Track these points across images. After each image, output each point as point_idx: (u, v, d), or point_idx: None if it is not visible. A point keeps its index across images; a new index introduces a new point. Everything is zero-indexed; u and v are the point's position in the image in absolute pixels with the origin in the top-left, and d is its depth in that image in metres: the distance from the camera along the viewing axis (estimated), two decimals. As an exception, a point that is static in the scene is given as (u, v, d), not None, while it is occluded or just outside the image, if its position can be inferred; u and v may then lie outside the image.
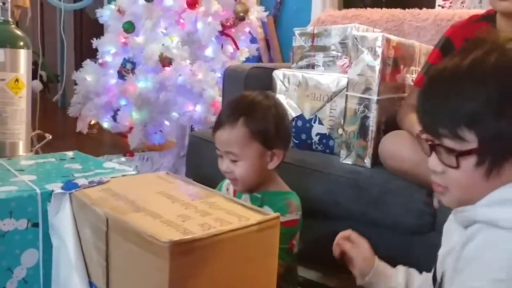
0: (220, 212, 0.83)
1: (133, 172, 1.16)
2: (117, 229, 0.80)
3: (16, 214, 0.97)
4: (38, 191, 0.99)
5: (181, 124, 2.67)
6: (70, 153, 1.29)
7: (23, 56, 1.34)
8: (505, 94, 0.74)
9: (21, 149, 1.36)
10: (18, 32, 1.34)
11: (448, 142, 0.77)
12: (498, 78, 0.75)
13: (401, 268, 1.07)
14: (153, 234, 0.72)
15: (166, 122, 2.66)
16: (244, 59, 2.85)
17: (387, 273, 1.05)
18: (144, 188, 0.98)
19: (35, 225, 0.99)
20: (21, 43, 1.33)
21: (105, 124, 2.74)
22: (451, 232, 0.86)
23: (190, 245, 0.72)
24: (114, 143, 3.42)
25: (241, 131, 1.17)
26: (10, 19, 1.34)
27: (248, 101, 1.23)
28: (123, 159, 3.03)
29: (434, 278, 0.90)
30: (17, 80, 1.32)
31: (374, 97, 1.40)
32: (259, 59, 3.05)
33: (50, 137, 1.44)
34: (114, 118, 2.71)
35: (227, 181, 1.29)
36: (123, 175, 1.13)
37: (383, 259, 1.07)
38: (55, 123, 3.49)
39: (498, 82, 0.74)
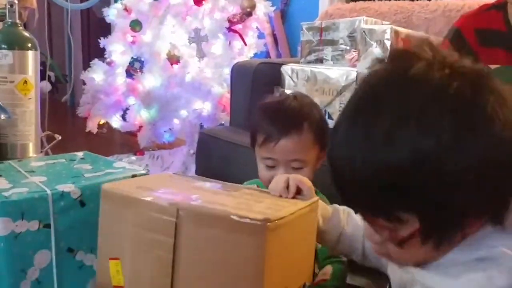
0: (267, 199, 0.87)
1: (144, 172, 1.16)
2: (191, 218, 0.80)
3: (27, 216, 0.97)
4: (49, 192, 1.00)
5: (190, 121, 2.67)
6: (80, 154, 1.29)
7: (31, 58, 1.33)
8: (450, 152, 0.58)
9: (31, 151, 1.36)
10: (26, 34, 1.34)
11: (382, 222, 0.65)
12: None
13: (338, 209, 1.00)
14: (243, 215, 0.75)
15: (175, 120, 2.67)
16: (252, 55, 2.85)
17: (325, 215, 0.99)
18: (173, 184, 0.97)
19: (47, 226, 1.00)
20: (29, 45, 1.33)
21: (115, 123, 2.75)
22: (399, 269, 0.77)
23: (278, 222, 0.76)
24: (124, 142, 3.43)
25: (308, 136, 1.13)
26: (17, 21, 1.33)
27: (305, 105, 1.18)
28: (133, 158, 3.04)
29: None
30: (25, 81, 1.32)
31: (384, 91, 1.38)
32: (267, 54, 3.04)
33: (60, 138, 1.43)
34: (123, 117, 2.73)
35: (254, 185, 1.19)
36: (133, 175, 1.13)
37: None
38: (65, 123, 3.50)
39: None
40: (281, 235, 0.78)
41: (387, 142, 0.59)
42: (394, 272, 0.82)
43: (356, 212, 0.70)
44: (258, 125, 1.17)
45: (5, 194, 0.97)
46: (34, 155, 1.36)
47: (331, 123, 1.55)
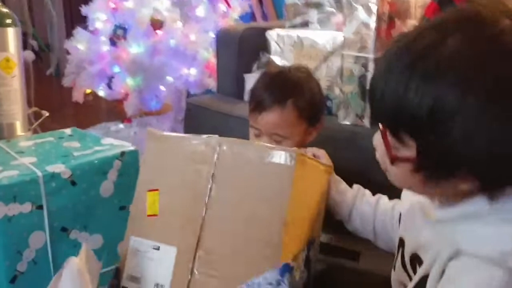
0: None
1: (132, 148, 1.16)
2: (231, 149, 0.90)
3: (20, 198, 0.98)
4: (39, 174, 1.00)
5: (177, 88, 2.65)
6: (68, 131, 1.29)
7: (12, 34, 1.30)
8: (463, 109, 0.61)
9: (19, 129, 1.35)
10: (4, 10, 1.30)
11: (389, 136, 0.69)
12: (463, 84, 0.61)
13: (355, 187, 1.07)
14: (277, 147, 0.89)
15: (162, 87, 2.64)
16: (237, 17, 2.81)
17: (340, 187, 1.06)
18: None
19: (40, 207, 1.01)
20: (8, 21, 1.30)
21: (101, 92, 2.72)
22: (420, 226, 0.79)
23: (304, 158, 0.90)
24: (111, 110, 3.39)
25: (291, 113, 1.14)
26: (-6, -3, 1.31)
27: (294, 80, 1.19)
28: (121, 125, 3.02)
29: (403, 264, 0.84)
30: (7, 60, 1.30)
31: (371, 55, 1.38)
32: (252, 16, 2.99)
33: (47, 114, 1.42)
34: (109, 85, 2.69)
35: None
36: (122, 152, 1.12)
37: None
38: (51, 93, 3.46)
39: (459, 91, 0.61)
40: (305, 173, 0.88)
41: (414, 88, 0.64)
42: (410, 235, 0.83)
43: (375, 120, 0.73)
44: (252, 93, 1.21)
45: None
46: (22, 134, 1.35)
47: (318, 89, 1.55)
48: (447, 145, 0.63)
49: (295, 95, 1.15)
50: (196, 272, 0.87)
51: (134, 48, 2.50)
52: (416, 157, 0.67)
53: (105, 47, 2.59)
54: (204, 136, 0.94)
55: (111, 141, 1.19)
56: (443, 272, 0.69)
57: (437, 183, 0.68)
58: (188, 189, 0.91)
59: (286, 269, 0.84)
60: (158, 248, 0.92)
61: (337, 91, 1.51)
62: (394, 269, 0.89)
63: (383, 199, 1.05)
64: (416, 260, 0.78)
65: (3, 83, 1.30)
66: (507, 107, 0.61)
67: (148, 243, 0.93)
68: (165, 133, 1.02)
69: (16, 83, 1.33)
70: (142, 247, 0.94)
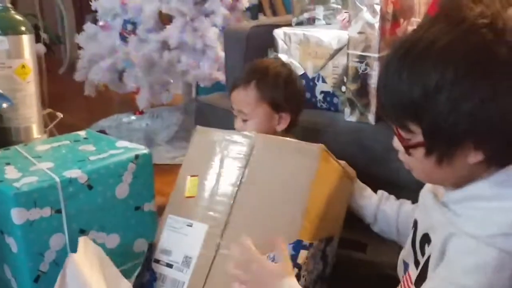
0: None
1: (146, 151, 1.20)
2: (264, 142, 1.06)
3: (40, 204, 1.03)
4: (57, 179, 1.06)
5: (187, 81, 2.68)
6: (82, 133, 1.34)
7: (27, 41, 1.36)
8: (445, 83, 0.70)
9: (35, 132, 1.41)
10: (19, 17, 1.35)
11: (400, 130, 0.78)
12: (441, 63, 0.70)
13: (379, 192, 1.16)
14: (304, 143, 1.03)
15: (172, 81, 2.68)
16: (245, 9, 2.82)
17: (365, 193, 1.16)
18: None
19: (58, 211, 1.06)
20: (23, 28, 1.35)
21: (112, 86, 2.76)
22: (430, 207, 0.85)
23: (328, 156, 1.02)
24: (123, 101, 3.44)
25: (252, 93, 1.27)
26: (8, 5, 1.34)
27: (263, 66, 1.33)
28: (133, 117, 3.07)
29: (413, 243, 0.90)
30: (23, 66, 1.35)
31: (375, 55, 1.40)
32: (259, 7, 3.00)
33: (62, 116, 1.47)
34: (120, 79, 2.73)
35: None
36: (136, 155, 1.18)
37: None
38: (63, 87, 3.51)
39: (439, 68, 0.70)
40: (327, 171, 1.01)
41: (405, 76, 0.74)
42: (422, 216, 0.90)
43: (387, 120, 0.82)
44: None
45: (17, 185, 1.03)
46: (39, 136, 1.41)
47: (325, 86, 1.59)
48: (441, 119, 0.71)
49: (259, 78, 1.28)
50: (222, 248, 0.97)
51: (144, 43, 2.53)
52: (424, 139, 0.74)
53: (116, 42, 2.62)
54: (244, 132, 1.12)
55: (125, 144, 1.24)
56: (444, 251, 0.76)
57: (449, 162, 0.75)
58: (224, 175, 1.05)
59: (300, 246, 0.94)
60: (191, 225, 1.02)
61: (343, 88, 1.54)
62: (404, 248, 0.96)
63: (406, 202, 1.13)
64: (425, 239, 0.85)
65: (19, 88, 1.36)
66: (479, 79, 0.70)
67: (183, 221, 1.04)
68: (211, 128, 1.16)
69: (31, 88, 1.38)
70: (177, 224, 1.04)
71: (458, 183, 0.79)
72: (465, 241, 0.73)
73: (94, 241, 1.13)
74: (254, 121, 1.28)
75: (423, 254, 0.85)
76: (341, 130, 1.47)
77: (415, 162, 0.79)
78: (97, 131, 2.70)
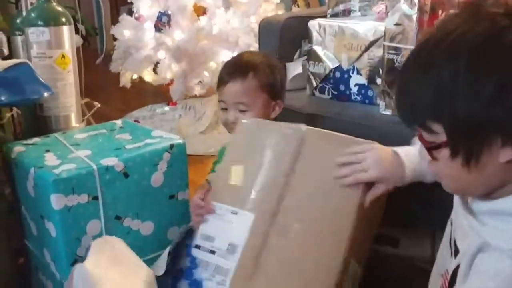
0: None
1: (180, 141, 1.22)
2: (316, 135, 1.07)
3: (77, 190, 1.06)
4: (95, 167, 1.08)
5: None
6: (119, 122, 1.36)
7: (67, 32, 1.39)
8: (459, 75, 0.67)
9: (74, 121, 1.44)
10: (60, 9, 1.38)
11: (423, 133, 0.74)
12: (453, 55, 0.68)
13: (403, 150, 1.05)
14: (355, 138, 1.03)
15: (205, 73, 2.70)
16: (279, 0, 2.82)
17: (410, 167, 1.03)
18: None
19: (95, 198, 1.09)
20: (64, 20, 1.38)
21: (146, 77, 2.80)
22: (459, 212, 0.82)
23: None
24: (156, 92, 3.48)
25: (252, 83, 1.29)
26: (50, -4, 1.38)
27: (250, 58, 1.37)
28: (166, 108, 3.10)
29: (450, 241, 0.87)
30: (63, 56, 1.38)
31: (412, 47, 1.38)
32: (293, -1, 2.99)
33: (99, 105, 1.51)
34: (154, 70, 2.77)
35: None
36: (171, 145, 1.19)
37: (419, 210, 1.10)
38: (100, 77, 3.57)
39: (451, 61, 0.68)
40: None
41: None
42: (455, 220, 0.86)
43: (409, 126, 0.77)
44: (218, 75, 1.34)
45: (56, 171, 1.05)
46: (77, 125, 1.44)
47: (360, 79, 1.57)
48: (460, 113, 0.68)
49: (255, 69, 1.31)
50: (271, 237, 0.97)
51: (178, 35, 2.55)
52: (448, 138, 0.71)
53: (150, 34, 2.65)
54: (293, 124, 1.09)
55: (161, 133, 1.25)
56: (471, 264, 0.73)
57: (477, 163, 0.70)
58: (272, 166, 1.05)
59: None
60: (236, 213, 1.02)
61: (378, 81, 1.53)
62: (442, 242, 0.92)
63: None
64: (455, 245, 0.82)
65: (60, 78, 1.39)
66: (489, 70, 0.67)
67: (227, 208, 1.03)
68: (258, 119, 1.19)
69: (71, 77, 1.41)
70: (220, 211, 1.04)
71: (489, 192, 0.75)
72: (491, 253, 0.71)
73: (129, 228, 1.16)
74: (254, 110, 1.29)
75: (455, 255, 0.82)
76: (376, 124, 1.46)
77: (442, 167, 0.75)
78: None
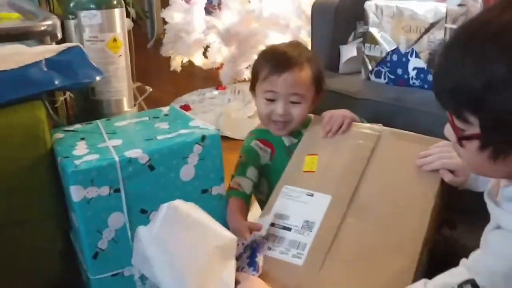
0: None
1: (214, 132, 1.12)
2: (392, 133, 1.14)
3: (97, 182, 1.01)
4: (116, 159, 1.03)
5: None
6: (165, 110, 1.30)
7: (118, 15, 1.37)
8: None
9: (125, 105, 1.43)
10: (111, -9, 1.37)
11: (455, 119, 0.73)
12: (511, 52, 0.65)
13: None
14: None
15: (255, 57, 2.66)
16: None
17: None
18: None
19: (117, 190, 1.04)
20: (115, 2, 1.36)
21: (196, 61, 2.79)
22: (488, 203, 0.83)
23: None
24: (206, 76, 3.48)
25: (307, 73, 1.25)
26: (101, -20, 1.36)
27: (303, 48, 1.32)
28: (215, 92, 3.09)
29: None
30: (115, 39, 1.37)
31: (478, 29, 1.30)
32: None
33: (150, 89, 1.50)
34: (204, 54, 2.76)
35: (254, 140, 1.30)
36: (203, 136, 1.09)
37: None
38: (150, 61, 3.59)
39: (508, 59, 0.65)
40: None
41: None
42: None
43: (444, 109, 0.77)
44: (263, 62, 1.27)
45: (76, 162, 1.02)
46: (129, 109, 1.43)
47: (419, 62, 1.50)
48: (504, 113, 0.67)
49: (309, 60, 1.26)
50: (348, 217, 1.00)
51: (228, 18, 2.52)
52: (481, 132, 0.70)
53: (201, 17, 2.64)
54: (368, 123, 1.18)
55: (198, 123, 1.18)
56: (485, 239, 0.79)
57: (505, 157, 0.71)
58: (349, 156, 1.11)
59: None
60: (312, 195, 1.06)
61: (438, 65, 1.45)
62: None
63: None
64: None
65: (111, 61, 1.38)
66: None
67: (302, 191, 1.08)
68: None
69: (122, 61, 1.40)
70: (295, 193, 1.08)
71: (508, 177, 0.76)
72: (501, 232, 0.74)
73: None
74: (305, 103, 1.24)
75: None
76: (435, 110, 1.39)
77: (467, 154, 0.75)
78: (181, 106, 2.77)
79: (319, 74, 1.28)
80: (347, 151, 1.13)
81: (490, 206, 0.80)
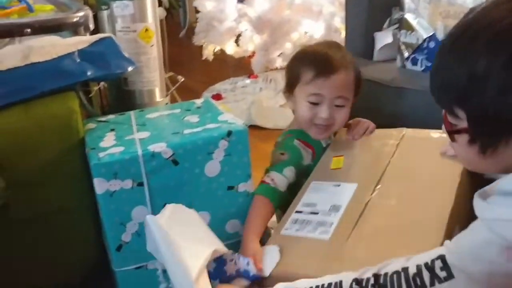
0: None
1: (240, 128, 1.09)
2: (413, 133, 1.17)
3: (120, 175, 1.01)
4: (139, 153, 1.01)
5: (302, 44, 2.62)
6: (198, 102, 1.28)
7: (150, 5, 1.37)
8: (494, 70, 0.67)
9: (158, 95, 1.43)
10: (143, -20, 1.36)
11: (448, 115, 0.76)
12: (492, 48, 0.67)
13: None
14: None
15: (287, 44, 2.63)
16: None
17: None
18: None
19: (140, 184, 1.03)
20: (147, -9, 1.36)
21: (229, 50, 2.78)
22: None
23: None
24: (238, 64, 3.47)
25: (352, 76, 1.20)
26: (133, -30, 1.36)
27: (344, 50, 1.27)
28: (247, 81, 3.08)
29: None
30: (146, 29, 1.37)
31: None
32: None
33: (183, 79, 1.49)
34: (236, 42, 2.74)
35: (296, 140, 1.23)
36: (229, 131, 1.07)
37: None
38: (183, 50, 3.60)
39: (490, 54, 0.67)
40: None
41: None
42: None
43: (439, 106, 0.79)
44: (304, 65, 1.21)
45: (100, 155, 1.01)
46: (161, 99, 1.43)
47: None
48: (486, 107, 0.68)
49: (351, 62, 1.21)
50: (374, 197, 1.03)
51: (260, 5, 2.50)
52: (468, 125, 0.72)
53: (232, 5, 2.62)
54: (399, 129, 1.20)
55: (227, 117, 1.15)
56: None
57: (494, 151, 0.72)
58: (374, 153, 1.15)
59: None
60: (338, 185, 1.10)
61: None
62: None
63: None
64: None
65: (143, 51, 1.38)
66: None
67: (329, 183, 1.11)
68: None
69: (154, 51, 1.40)
70: (322, 186, 1.11)
71: (503, 172, 0.75)
72: (478, 222, 0.73)
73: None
74: (347, 106, 1.19)
75: None
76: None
77: (459, 148, 0.78)
78: (213, 95, 2.77)
79: (359, 77, 1.23)
80: (372, 149, 1.17)
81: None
